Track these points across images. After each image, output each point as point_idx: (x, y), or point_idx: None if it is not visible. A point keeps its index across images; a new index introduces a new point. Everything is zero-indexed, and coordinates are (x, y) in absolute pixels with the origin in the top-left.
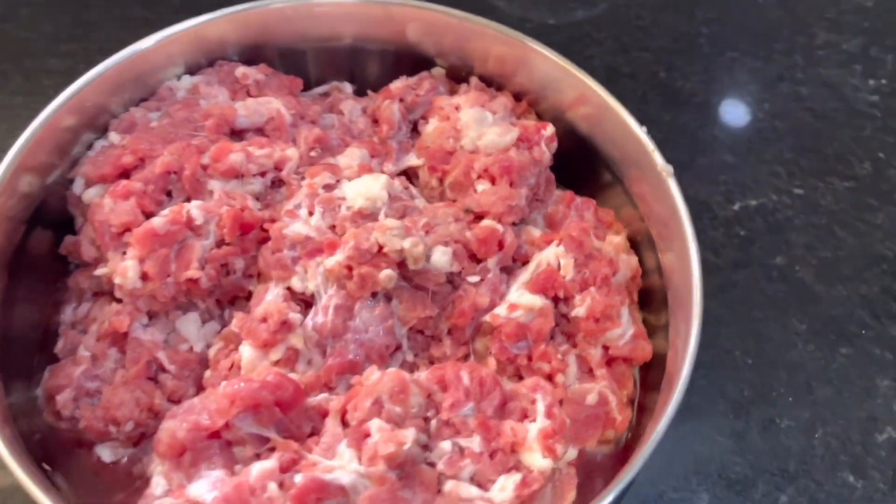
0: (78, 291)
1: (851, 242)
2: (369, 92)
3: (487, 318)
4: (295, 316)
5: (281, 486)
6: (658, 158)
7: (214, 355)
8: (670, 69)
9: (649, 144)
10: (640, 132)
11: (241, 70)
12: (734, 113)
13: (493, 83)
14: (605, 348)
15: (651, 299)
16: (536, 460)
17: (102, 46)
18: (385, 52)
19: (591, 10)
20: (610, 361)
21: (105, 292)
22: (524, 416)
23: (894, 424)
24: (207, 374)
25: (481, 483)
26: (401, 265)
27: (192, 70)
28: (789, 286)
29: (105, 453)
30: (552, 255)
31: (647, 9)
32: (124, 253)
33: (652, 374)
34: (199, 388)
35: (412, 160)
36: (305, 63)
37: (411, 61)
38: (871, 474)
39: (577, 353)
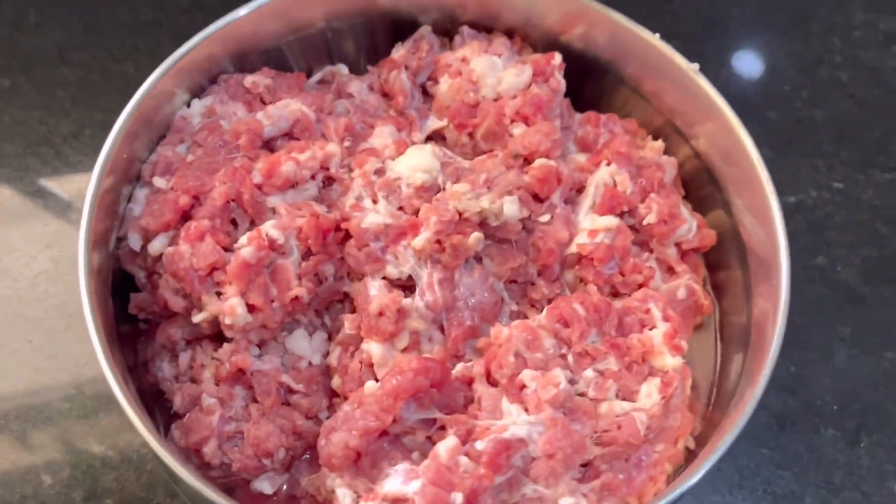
0: (170, 345)
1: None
2: (368, 67)
3: (571, 249)
4: (407, 301)
5: (468, 456)
6: (680, 59)
7: (338, 362)
8: (701, 58)
9: (666, 48)
10: (651, 36)
11: (249, 79)
12: (772, 103)
13: (480, 28)
14: (678, 245)
15: (696, 183)
16: (668, 361)
17: (114, 53)
18: (356, 25)
19: None
20: (683, 255)
21: (201, 337)
22: (642, 326)
23: None
24: (336, 381)
25: (627, 396)
26: (481, 225)
27: (195, 93)
28: (832, 288)
29: (265, 486)
30: (606, 175)
31: None
32: (218, 294)
33: (713, 253)
34: (330, 398)
35: (435, 123)
36: (286, 59)
37: (388, 27)
38: None
39: (656, 257)
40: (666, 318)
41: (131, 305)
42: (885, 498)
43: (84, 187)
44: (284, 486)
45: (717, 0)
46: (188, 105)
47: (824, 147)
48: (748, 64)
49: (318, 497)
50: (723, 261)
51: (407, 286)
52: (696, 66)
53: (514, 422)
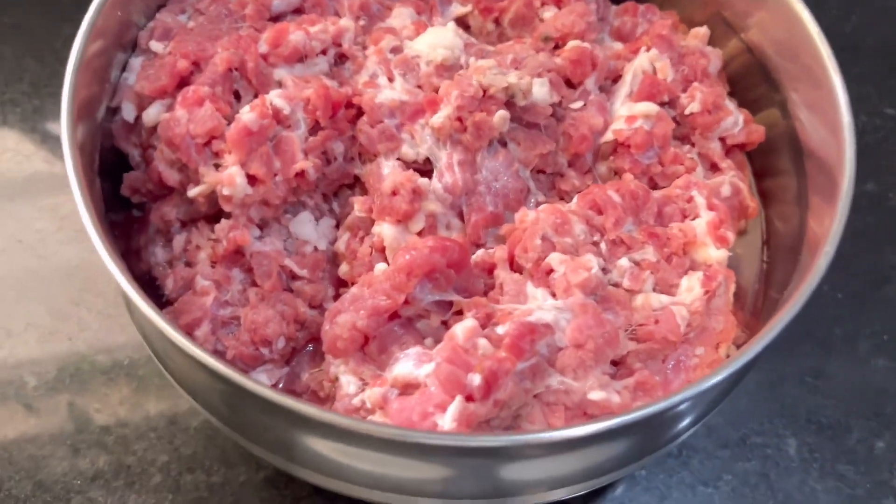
0: (164, 225)
1: None
2: None
3: (606, 138)
4: (424, 181)
5: (488, 339)
6: None
7: (346, 247)
8: None
9: None
10: None
11: None
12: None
13: None
14: (722, 140)
15: (746, 82)
16: (712, 253)
17: None
18: None
19: None
20: (728, 151)
21: (197, 217)
22: (684, 216)
23: None
24: (343, 268)
25: (666, 290)
26: (507, 105)
27: None
28: (881, 216)
29: (262, 378)
30: (646, 62)
31: None
32: (217, 166)
33: (761, 158)
34: (337, 287)
35: (458, 9)
36: None
37: None
38: None
39: (698, 151)
40: (711, 207)
41: (124, 186)
42: None
43: None
44: (283, 381)
45: None
46: None
47: (875, 73)
48: None
49: (319, 393)
50: (773, 166)
51: (424, 170)
52: None
53: (540, 306)
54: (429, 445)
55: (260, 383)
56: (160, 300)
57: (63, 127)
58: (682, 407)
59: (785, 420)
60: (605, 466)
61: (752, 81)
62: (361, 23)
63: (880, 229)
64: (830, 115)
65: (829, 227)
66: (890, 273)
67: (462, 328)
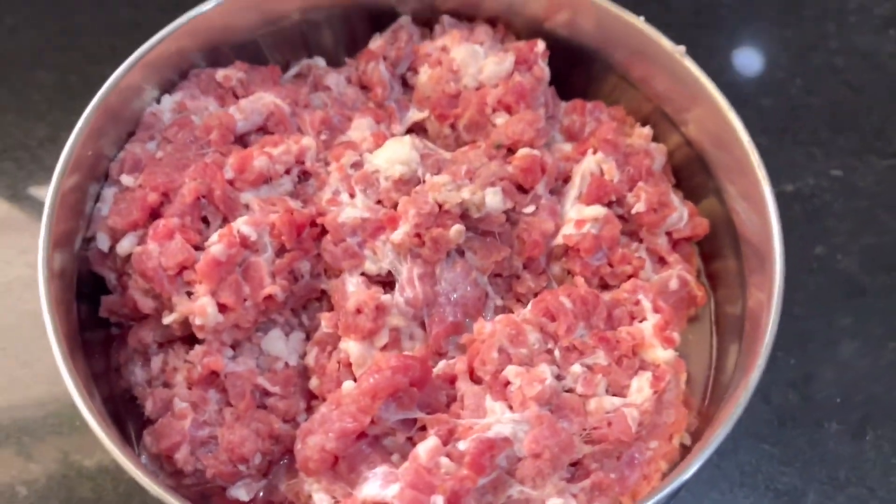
0: (141, 347)
1: None
2: (346, 59)
3: (557, 241)
4: (386, 297)
5: (449, 457)
6: (666, 42)
7: (315, 362)
8: (694, 45)
9: (652, 31)
10: (635, 19)
11: (221, 73)
12: (766, 90)
13: (461, 17)
14: (669, 234)
15: (687, 171)
16: (660, 353)
17: (91, 54)
18: (333, 17)
19: None
20: (675, 244)
21: (173, 339)
22: (632, 318)
23: None
24: (313, 382)
25: (617, 392)
26: (462, 217)
27: (166, 88)
28: (831, 278)
29: (241, 493)
30: (593, 164)
31: None
32: (189, 294)
33: (708, 243)
34: (308, 400)
35: (416, 115)
36: (261, 52)
37: (366, 18)
38: None
39: (646, 247)
40: (656, 310)
41: (102, 308)
42: (891, 493)
43: None
44: (262, 493)
45: None
46: (158, 101)
47: (820, 134)
48: (741, 52)
49: (297, 503)
50: (717, 251)
51: (386, 282)
52: (682, 48)
53: (499, 420)
54: None
55: None
56: (141, 418)
57: (39, 261)
58: None
59: (746, 489)
60: None
61: (692, 171)
62: (323, 137)
63: (831, 292)
64: (758, 203)
65: (766, 305)
66: (840, 336)
67: (425, 448)
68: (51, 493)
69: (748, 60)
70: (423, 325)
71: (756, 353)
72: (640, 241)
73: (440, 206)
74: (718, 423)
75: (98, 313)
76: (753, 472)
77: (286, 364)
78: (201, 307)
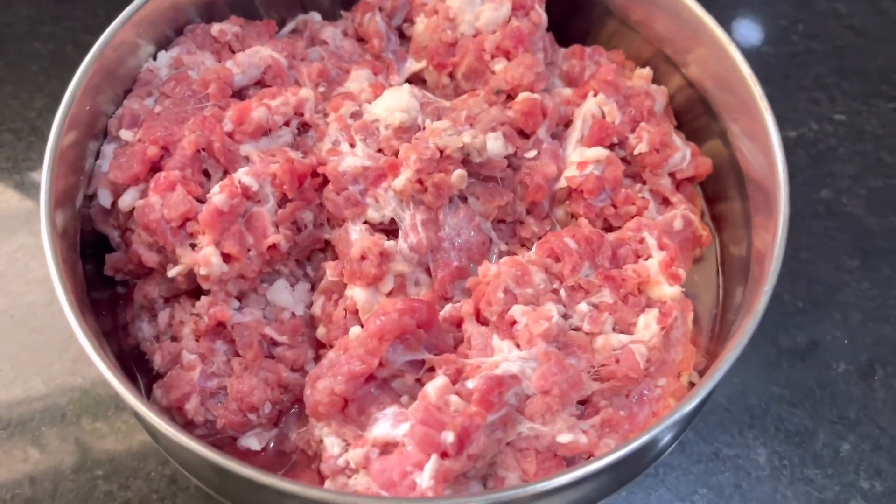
0: (148, 303)
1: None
2: (342, 13)
3: (560, 184)
4: (390, 244)
5: (458, 396)
6: None
7: (321, 311)
8: None
9: None
10: None
11: (216, 28)
12: (766, 36)
13: None
14: (672, 175)
15: (690, 114)
16: (666, 290)
17: (87, 24)
18: None
19: None
20: (678, 185)
21: (178, 293)
22: (637, 256)
23: None
24: (321, 331)
25: (624, 329)
26: (464, 163)
27: (162, 45)
28: (838, 221)
29: (252, 442)
30: (594, 106)
31: None
32: (192, 245)
33: (712, 185)
34: (316, 349)
35: (414, 65)
36: (255, 8)
37: None
38: None
39: (649, 188)
40: (661, 247)
41: (107, 267)
42: None
43: None
44: (272, 443)
45: None
46: (154, 57)
47: (824, 80)
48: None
49: (308, 451)
50: (721, 192)
51: (390, 230)
52: None
53: (506, 358)
54: None
55: (245, 465)
56: (150, 373)
57: (42, 218)
58: (654, 440)
59: (755, 430)
60: (590, 497)
61: (695, 114)
62: (321, 89)
63: (837, 234)
64: (762, 141)
65: (771, 245)
66: (848, 278)
67: (434, 387)
68: (65, 454)
69: (749, 9)
70: (427, 271)
71: (760, 292)
72: (644, 182)
73: (441, 152)
74: (721, 359)
75: (103, 272)
76: (763, 415)
77: (293, 314)
78: (205, 257)
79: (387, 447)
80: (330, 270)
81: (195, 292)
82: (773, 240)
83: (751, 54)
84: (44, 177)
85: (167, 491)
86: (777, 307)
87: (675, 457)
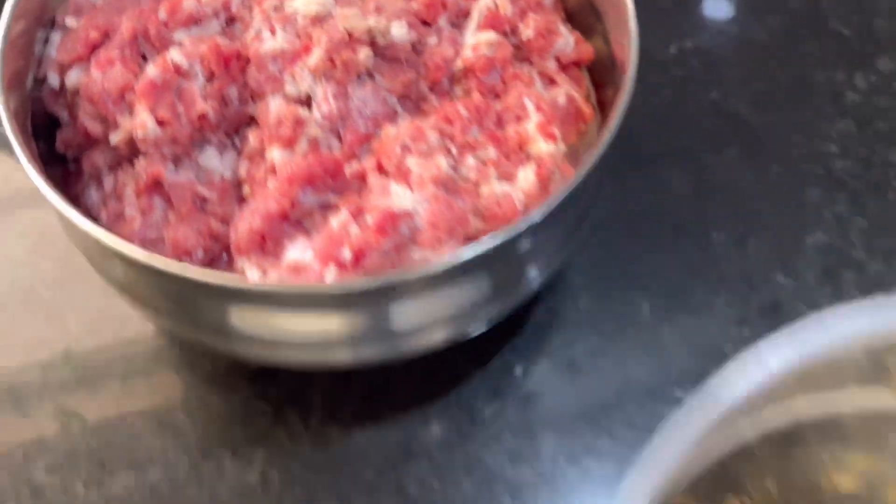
0: (94, 171)
1: (784, 74)
2: None
3: (458, 66)
4: (304, 112)
5: (358, 228)
6: None
7: (247, 173)
8: None
9: None
10: None
11: None
12: None
13: None
14: (557, 59)
15: (580, 14)
16: (542, 147)
17: None
18: None
19: None
20: (564, 69)
21: (122, 160)
22: (519, 120)
23: (823, 228)
24: (245, 189)
25: (507, 180)
26: (371, 45)
27: None
28: (724, 118)
29: None
30: (489, 0)
31: None
32: (131, 113)
33: (599, 74)
34: (242, 205)
35: None
36: None
37: None
38: (801, 273)
39: (537, 71)
40: (539, 110)
41: (58, 142)
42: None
43: None
44: None
45: None
46: None
47: None
48: None
49: None
50: (603, 81)
51: (306, 105)
52: None
53: (401, 199)
54: (307, 294)
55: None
56: None
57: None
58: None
59: (640, 291)
60: (470, 306)
61: (584, 14)
62: None
63: (722, 128)
64: (627, 39)
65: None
66: (730, 162)
67: (337, 220)
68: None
69: None
70: (339, 138)
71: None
72: (531, 64)
73: (350, 35)
74: (581, 166)
75: (52, 152)
76: (647, 275)
77: (222, 177)
78: (142, 122)
79: (296, 271)
80: (252, 137)
81: (136, 160)
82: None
83: None
84: None
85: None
86: (663, 184)
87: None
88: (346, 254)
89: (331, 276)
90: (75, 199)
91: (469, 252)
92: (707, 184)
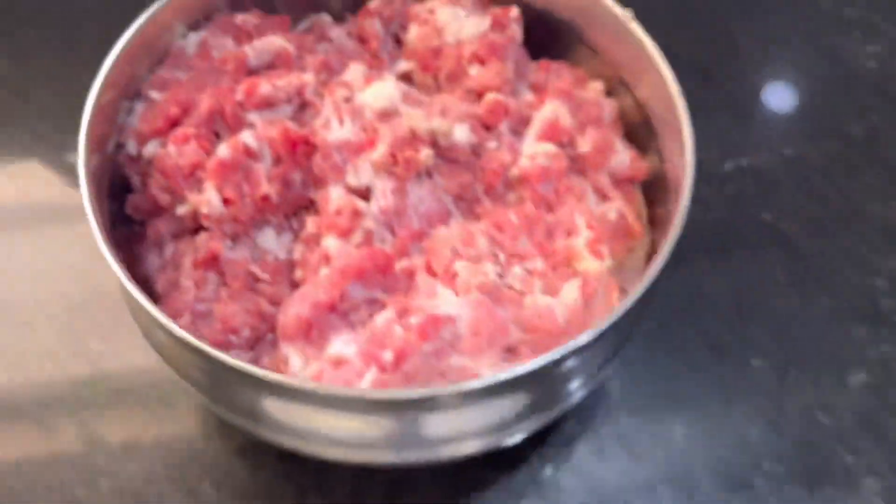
0: (157, 238)
1: (838, 200)
2: (348, 16)
3: (514, 172)
4: (362, 204)
5: (402, 328)
6: (616, 8)
7: (301, 256)
8: (668, 35)
9: (610, 2)
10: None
11: (240, 18)
12: (733, 74)
13: None
14: (611, 175)
15: (637, 131)
16: (589, 265)
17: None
18: None
19: None
20: (617, 184)
21: (185, 231)
22: (569, 235)
23: (866, 368)
24: (298, 273)
25: (551, 293)
26: (433, 145)
27: (192, 27)
28: (775, 238)
29: None
30: (549, 111)
31: None
32: (199, 190)
33: (652, 191)
34: (293, 289)
35: (403, 66)
36: (274, 6)
37: None
38: (841, 414)
39: (591, 184)
40: (590, 227)
41: (127, 205)
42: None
43: None
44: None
45: None
46: (185, 37)
47: (780, 116)
48: (714, 39)
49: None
50: (657, 199)
51: (365, 196)
52: (629, 13)
53: (446, 302)
54: (345, 398)
55: (226, 354)
56: (153, 299)
57: (80, 158)
58: (559, 365)
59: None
60: (507, 421)
61: (640, 131)
62: (322, 77)
63: (772, 250)
64: (682, 159)
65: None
66: (775, 289)
67: (382, 317)
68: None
69: (721, 47)
70: (392, 232)
71: (662, 249)
72: (586, 178)
73: (413, 133)
74: (629, 297)
75: (121, 218)
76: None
77: (276, 257)
78: (208, 199)
79: (338, 364)
80: (311, 223)
81: (197, 232)
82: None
83: (713, 85)
84: (84, 124)
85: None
86: (704, 300)
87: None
88: (388, 356)
89: (370, 380)
90: (136, 260)
91: (509, 374)
92: (751, 306)
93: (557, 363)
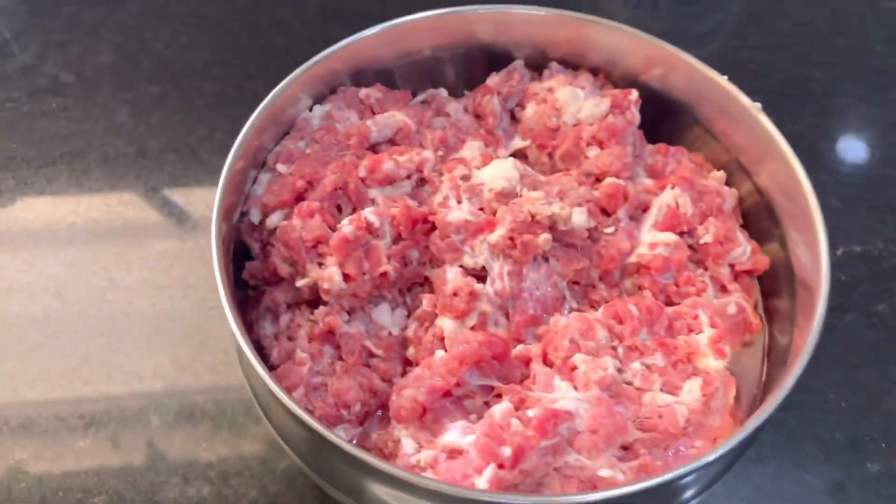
0: (274, 306)
1: None
2: (465, 91)
3: (631, 259)
4: (479, 286)
5: (519, 420)
6: (744, 99)
7: (414, 334)
8: (780, 112)
9: (733, 88)
10: (720, 78)
11: (363, 92)
12: (845, 158)
13: (568, 65)
14: (731, 266)
15: (756, 217)
16: (711, 363)
17: (248, 71)
18: (457, 55)
19: (701, 49)
20: (737, 276)
21: (300, 302)
22: (690, 330)
23: None
24: (410, 351)
25: (671, 391)
26: (551, 229)
27: (317, 100)
28: (890, 334)
29: (340, 434)
30: (670, 198)
31: (759, 50)
32: (320, 263)
33: (768, 282)
34: (404, 365)
35: (519, 143)
36: (395, 79)
37: (485, 59)
38: None
39: (710, 275)
40: (712, 325)
41: (245, 272)
42: None
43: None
44: (356, 438)
45: (804, 61)
46: (310, 109)
47: (894, 203)
48: (825, 122)
49: (384, 450)
50: (776, 289)
51: (480, 277)
52: (758, 105)
53: (564, 396)
54: (467, 499)
55: (339, 437)
56: (266, 365)
57: (213, 231)
58: (677, 482)
59: None
60: None
61: (760, 217)
62: (440, 153)
63: (888, 346)
64: (815, 252)
65: (806, 341)
66: (893, 387)
67: (500, 409)
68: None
69: (831, 130)
70: (506, 315)
71: (789, 373)
72: (705, 269)
73: (532, 217)
74: (752, 419)
75: (240, 276)
76: (794, 498)
77: (390, 333)
78: (329, 275)
79: (453, 453)
80: (426, 301)
81: (313, 303)
82: (808, 329)
83: (827, 171)
84: (218, 194)
85: (257, 470)
86: (821, 404)
87: None
88: (507, 452)
89: (488, 476)
90: (250, 325)
91: (638, 485)
92: (864, 406)
93: (679, 478)
